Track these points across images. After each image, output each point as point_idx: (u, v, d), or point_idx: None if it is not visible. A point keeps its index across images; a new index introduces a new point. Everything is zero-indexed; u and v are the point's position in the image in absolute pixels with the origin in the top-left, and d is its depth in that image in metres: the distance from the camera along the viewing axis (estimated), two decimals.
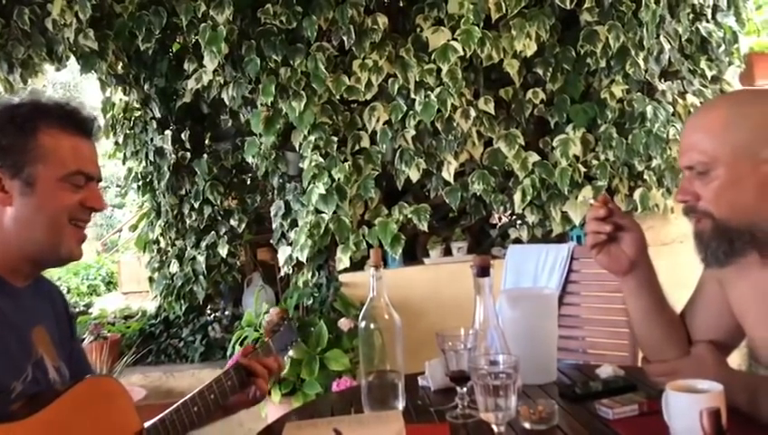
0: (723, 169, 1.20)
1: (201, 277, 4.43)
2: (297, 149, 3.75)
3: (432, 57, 3.57)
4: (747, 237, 1.21)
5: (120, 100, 4.65)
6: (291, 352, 1.63)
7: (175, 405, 1.31)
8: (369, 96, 3.65)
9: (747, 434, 1.15)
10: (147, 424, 1.27)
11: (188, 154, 4.41)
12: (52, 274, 1.41)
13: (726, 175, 1.20)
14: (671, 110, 3.73)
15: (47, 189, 1.22)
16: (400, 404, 1.50)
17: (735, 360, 1.44)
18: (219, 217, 4.46)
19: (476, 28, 3.51)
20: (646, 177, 3.72)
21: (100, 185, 1.31)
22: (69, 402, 1.17)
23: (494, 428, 1.17)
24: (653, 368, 1.39)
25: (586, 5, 3.57)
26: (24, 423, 1.11)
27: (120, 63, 4.06)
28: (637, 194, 3.71)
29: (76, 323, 1.45)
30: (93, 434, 1.18)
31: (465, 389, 1.42)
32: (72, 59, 3.79)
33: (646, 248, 1.38)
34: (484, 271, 1.42)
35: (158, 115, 4.37)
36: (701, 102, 3.77)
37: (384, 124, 3.69)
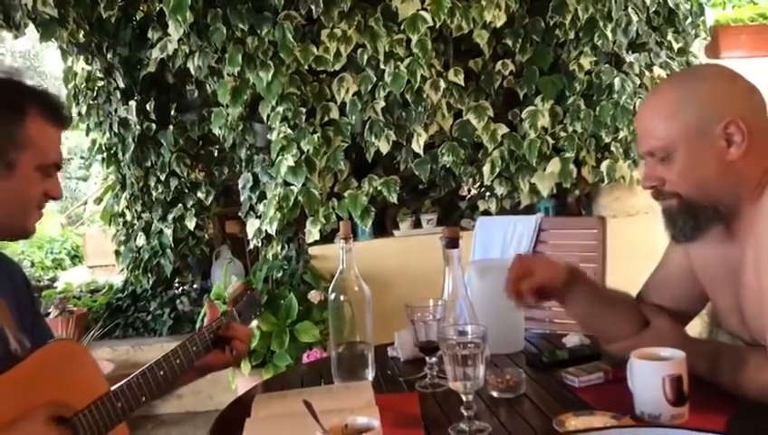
0: (681, 151, 1.22)
1: (168, 250, 4.39)
2: (265, 120, 3.70)
3: (402, 27, 3.54)
4: (711, 212, 1.23)
5: (83, 69, 4.53)
6: (255, 323, 1.62)
7: (140, 369, 1.31)
8: (337, 66, 3.61)
9: (708, 400, 1.18)
10: (113, 388, 1.27)
11: (154, 125, 4.33)
12: (14, 248, 1.39)
13: (686, 156, 1.22)
14: (638, 82, 3.76)
15: (24, 176, 1.24)
16: (370, 375, 1.51)
17: (697, 327, 1.47)
18: (186, 190, 4.40)
19: None
20: (613, 148, 3.76)
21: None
22: (35, 364, 1.18)
23: (463, 397, 1.18)
24: (615, 347, 1.39)
25: None
26: None
27: (82, 32, 3.95)
28: (604, 165, 3.75)
29: (36, 298, 1.44)
30: (59, 395, 1.18)
31: (434, 359, 1.44)
32: (32, 27, 3.67)
33: (562, 281, 1.40)
34: (453, 242, 1.43)
35: (121, 85, 4.28)
36: (668, 74, 3.81)
37: (353, 95, 3.65)
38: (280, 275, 3.71)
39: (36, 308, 1.43)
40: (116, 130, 4.41)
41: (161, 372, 1.33)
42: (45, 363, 1.19)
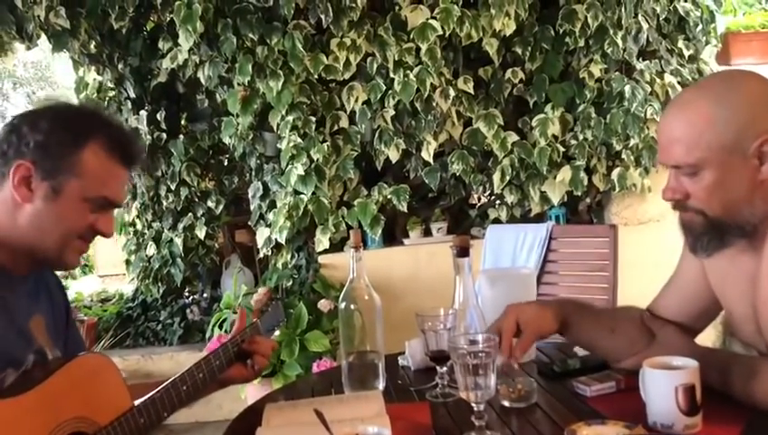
0: (713, 169, 1.17)
1: (178, 260, 4.40)
2: (275, 129, 3.71)
3: (411, 36, 3.55)
4: (737, 232, 1.20)
5: (94, 79, 4.56)
6: (277, 332, 1.62)
7: (164, 384, 1.31)
8: (347, 75, 3.62)
9: (722, 410, 1.16)
10: (136, 402, 1.27)
11: (164, 135, 4.35)
12: None
13: (716, 174, 1.17)
14: (649, 89, 3.74)
15: (70, 203, 1.23)
16: (381, 384, 1.50)
17: (710, 336, 1.46)
18: (196, 199, 4.42)
19: (455, 7, 3.49)
20: (624, 156, 3.74)
21: (115, 211, 1.33)
22: (61, 379, 1.18)
23: (474, 406, 1.17)
24: (624, 365, 1.38)
25: None
26: (17, 400, 1.11)
27: (93, 42, 3.98)
28: (615, 173, 3.73)
29: (72, 312, 1.45)
30: (84, 410, 1.18)
31: (444, 368, 1.43)
32: (43, 37, 3.71)
33: (554, 329, 1.40)
34: (463, 251, 1.42)
35: (132, 95, 4.30)
36: (678, 82, 3.79)
37: (363, 104, 3.66)
38: (290, 284, 3.70)
39: (71, 320, 1.44)
40: None
41: (184, 387, 1.33)
42: (73, 377, 1.20)
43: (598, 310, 1.51)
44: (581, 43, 3.62)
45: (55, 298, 1.37)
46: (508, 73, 3.72)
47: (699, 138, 1.17)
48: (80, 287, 6.52)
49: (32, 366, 1.21)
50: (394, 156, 3.68)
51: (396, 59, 3.55)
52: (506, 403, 1.33)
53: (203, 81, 3.75)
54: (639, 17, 3.75)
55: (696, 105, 1.20)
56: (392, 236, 4.01)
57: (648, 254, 3.39)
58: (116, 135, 1.28)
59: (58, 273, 1.41)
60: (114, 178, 1.27)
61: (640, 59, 3.85)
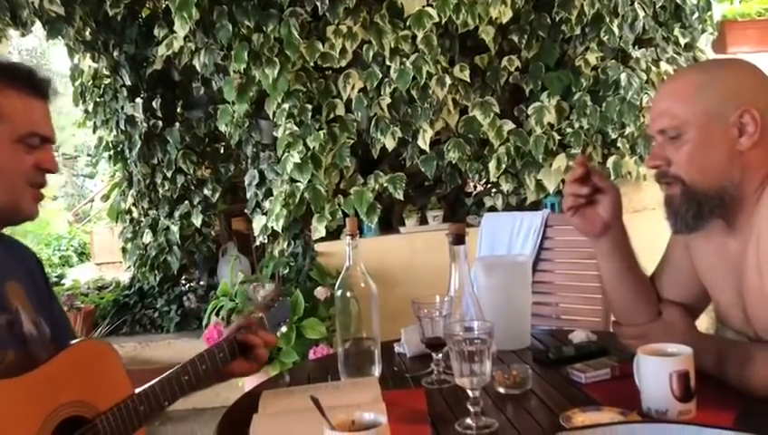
0: (694, 133, 1.22)
1: (175, 247, 4.40)
2: (271, 117, 3.71)
3: (407, 23, 3.54)
4: (716, 201, 1.23)
5: (89, 67, 4.55)
6: (283, 329, 1.62)
7: (167, 373, 1.31)
8: (343, 63, 3.61)
9: (716, 396, 1.17)
10: (137, 390, 1.27)
11: (160, 122, 4.34)
12: None
13: (697, 138, 1.22)
14: (645, 77, 3.74)
15: (3, 150, 1.20)
16: (377, 371, 1.51)
17: (703, 323, 1.47)
18: (193, 187, 4.42)
19: None
20: (619, 144, 3.74)
21: (53, 147, 1.29)
22: (62, 363, 1.18)
23: (470, 393, 1.18)
24: (624, 330, 1.42)
25: None
26: (16, 381, 1.11)
27: (88, 29, 3.96)
28: (610, 161, 3.74)
29: (52, 285, 1.43)
30: (83, 395, 1.19)
31: (440, 355, 1.44)
32: (38, 24, 3.69)
33: (621, 211, 1.39)
34: (459, 239, 1.43)
35: (128, 82, 4.29)
36: (674, 70, 3.79)
37: (359, 92, 3.65)
38: (286, 271, 3.71)
39: (53, 294, 1.42)
40: (123, 128, 4.43)
41: (186, 377, 1.33)
42: (72, 362, 1.20)
43: (637, 260, 1.46)
44: (578, 31, 3.62)
45: (32, 271, 1.35)
46: (504, 61, 3.71)
47: (684, 103, 1.23)
48: (76, 275, 6.53)
49: (5, 331, 1.19)
50: (390, 144, 3.68)
51: (392, 46, 3.54)
52: (501, 390, 1.34)
53: (199, 68, 3.73)
54: (636, 5, 3.74)
55: (685, 77, 1.33)
56: (388, 225, 4.02)
57: (642, 242, 3.38)
58: (19, 72, 1.26)
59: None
60: (35, 111, 1.25)
61: (636, 47, 3.84)
